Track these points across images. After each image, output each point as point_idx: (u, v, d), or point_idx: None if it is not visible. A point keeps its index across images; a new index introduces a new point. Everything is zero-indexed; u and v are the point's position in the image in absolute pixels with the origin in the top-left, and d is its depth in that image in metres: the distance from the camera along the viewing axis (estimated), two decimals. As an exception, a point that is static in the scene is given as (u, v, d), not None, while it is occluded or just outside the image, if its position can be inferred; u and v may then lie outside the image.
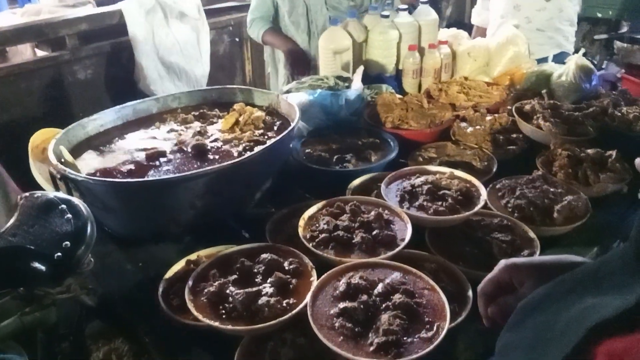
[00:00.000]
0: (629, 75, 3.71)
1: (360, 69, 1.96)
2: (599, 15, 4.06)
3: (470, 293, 1.06)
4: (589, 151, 1.50)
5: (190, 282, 1.05)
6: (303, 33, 2.47)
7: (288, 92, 1.89)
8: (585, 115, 1.67)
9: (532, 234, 1.23)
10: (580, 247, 1.27)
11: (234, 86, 1.83)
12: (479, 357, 1.02)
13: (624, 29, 4.25)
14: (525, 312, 0.60)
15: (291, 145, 1.65)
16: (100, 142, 1.54)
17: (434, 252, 1.19)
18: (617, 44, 3.95)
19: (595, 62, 3.72)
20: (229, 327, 0.94)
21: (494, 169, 1.52)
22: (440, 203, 1.24)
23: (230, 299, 0.99)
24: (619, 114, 1.69)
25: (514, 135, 1.68)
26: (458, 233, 1.25)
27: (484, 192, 1.28)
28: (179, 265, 1.21)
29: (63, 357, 1.21)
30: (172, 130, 1.63)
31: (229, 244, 1.25)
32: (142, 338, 1.14)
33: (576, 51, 2.45)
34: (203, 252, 1.25)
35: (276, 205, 1.46)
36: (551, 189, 1.37)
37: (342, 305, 0.94)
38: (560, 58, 2.51)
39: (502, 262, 0.81)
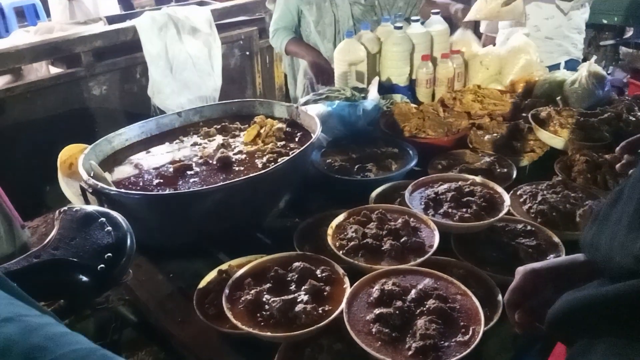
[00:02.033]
0: (636, 80, 3.75)
1: (376, 79, 2.00)
2: (605, 21, 4.11)
3: (500, 297, 1.09)
4: (607, 156, 1.53)
5: (227, 291, 1.08)
6: (329, 43, 2.51)
7: (306, 103, 1.92)
8: (601, 121, 1.69)
9: (556, 239, 1.25)
10: (604, 250, 1.28)
11: (254, 99, 1.87)
12: (512, 358, 1.04)
13: (629, 34, 4.30)
14: None
15: (312, 156, 1.68)
16: (126, 155, 1.58)
17: (460, 258, 1.21)
18: (623, 49, 3.99)
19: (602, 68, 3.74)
20: (268, 334, 0.97)
21: (514, 175, 1.54)
22: (464, 210, 1.27)
23: (267, 306, 1.02)
24: (633, 118, 1.71)
25: (531, 142, 1.71)
26: (483, 239, 1.27)
27: (507, 198, 1.30)
28: (211, 275, 1.24)
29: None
30: (195, 144, 1.67)
31: (256, 254, 1.28)
32: (177, 347, 1.17)
33: (585, 58, 2.49)
34: (234, 262, 1.28)
35: (300, 215, 1.49)
36: (572, 194, 1.39)
37: (377, 311, 0.97)
38: (569, 65, 2.54)
39: (521, 270, 0.85)
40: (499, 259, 1.21)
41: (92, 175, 1.38)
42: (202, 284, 1.21)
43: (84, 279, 0.98)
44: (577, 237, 1.30)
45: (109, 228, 1.05)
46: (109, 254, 1.00)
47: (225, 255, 1.39)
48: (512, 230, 1.30)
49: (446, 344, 0.91)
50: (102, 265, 0.98)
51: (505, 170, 1.57)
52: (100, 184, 1.29)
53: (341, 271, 1.11)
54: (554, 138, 1.66)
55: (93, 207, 1.10)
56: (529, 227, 1.30)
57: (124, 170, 1.53)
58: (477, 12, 2.59)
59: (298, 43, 2.58)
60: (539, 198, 1.38)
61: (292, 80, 2.85)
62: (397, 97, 2.09)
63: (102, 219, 1.06)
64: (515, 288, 0.83)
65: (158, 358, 1.62)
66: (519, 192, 1.45)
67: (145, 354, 1.64)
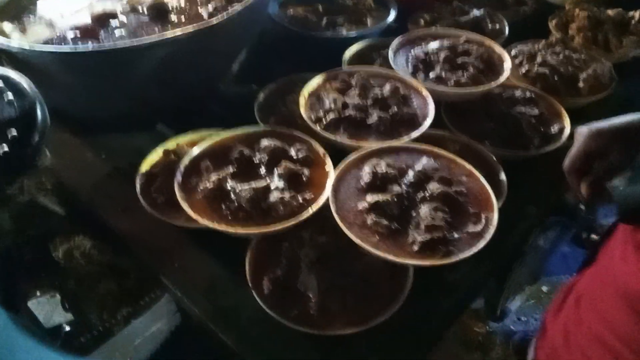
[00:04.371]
0: None
1: None
2: None
3: (503, 176, 0.94)
4: (609, 12, 1.34)
5: (179, 177, 0.86)
6: None
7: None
8: (602, -30, 1.47)
9: (559, 107, 1.10)
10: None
11: None
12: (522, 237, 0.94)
13: None
14: None
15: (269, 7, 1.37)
16: (31, 1, 1.20)
17: (454, 131, 1.04)
18: None
19: None
20: (240, 230, 0.78)
21: (506, 32, 1.33)
22: (460, 73, 1.06)
23: (233, 196, 0.82)
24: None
25: (524, -7, 1.48)
26: (478, 108, 1.09)
27: (507, 59, 1.11)
28: (156, 155, 1.00)
29: (27, 267, 1.04)
30: (119, -14, 1.30)
31: (207, 128, 1.05)
32: (121, 239, 0.97)
33: None
34: (182, 139, 1.04)
35: (257, 81, 1.24)
36: (574, 55, 1.22)
37: (371, 198, 0.79)
38: None
39: (584, 131, 0.75)
40: (497, 132, 1.04)
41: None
42: (145, 166, 0.98)
43: (-18, 167, 0.73)
44: (578, 104, 1.16)
45: (10, 97, 0.77)
46: (13, 132, 0.74)
47: (168, 128, 1.15)
48: (509, 98, 1.12)
49: (456, 235, 0.76)
50: (5, 148, 0.73)
51: (498, 26, 1.35)
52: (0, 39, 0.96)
53: (321, 150, 0.91)
54: (550, -11, 1.44)
55: (-17, 69, 0.80)
56: (527, 94, 1.13)
57: (30, 21, 1.17)
58: None
59: None
60: (539, 59, 1.19)
61: None
62: None
63: (-1, 84, 0.77)
64: (576, 152, 0.75)
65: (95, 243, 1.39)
66: (513, 53, 1.25)
67: (82, 239, 1.40)
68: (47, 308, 1.07)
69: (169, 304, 1.05)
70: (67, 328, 1.06)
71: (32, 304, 1.05)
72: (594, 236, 2.24)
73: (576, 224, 2.19)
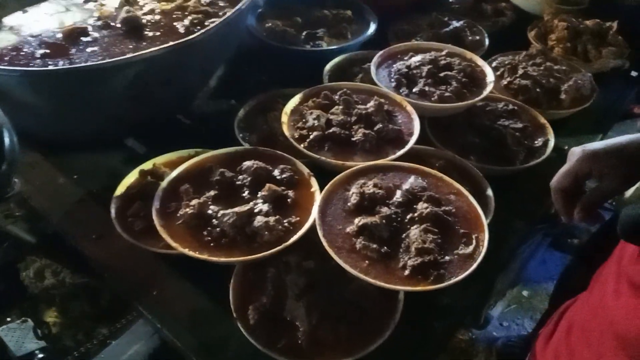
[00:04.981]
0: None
1: None
2: None
3: (490, 192, 0.93)
4: (588, 22, 1.35)
5: (157, 203, 0.82)
6: None
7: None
8: (578, -19, 1.49)
9: (542, 119, 1.09)
10: (587, 131, 1.16)
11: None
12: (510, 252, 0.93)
13: None
14: None
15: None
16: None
17: (438, 146, 1.02)
18: None
19: None
20: (223, 258, 0.74)
21: (487, 43, 1.33)
22: (444, 87, 1.05)
23: (215, 221, 0.78)
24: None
25: (503, 4, 1.48)
26: (461, 122, 1.08)
27: (490, 72, 1.10)
28: (131, 177, 0.96)
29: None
30: (89, 0, 1.26)
31: (185, 148, 1.01)
32: (95, 268, 0.92)
33: None
34: (159, 160, 1.00)
35: (237, 97, 1.21)
36: (555, 66, 1.22)
37: (359, 220, 0.77)
38: None
39: (578, 151, 0.72)
40: (482, 146, 1.03)
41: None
42: (121, 189, 0.93)
43: (-56, 201, 0.68)
44: (560, 117, 1.16)
45: (-27, 123, 0.72)
46: (-22, 163, 0.69)
47: (144, 148, 1.11)
48: (493, 111, 1.11)
49: (447, 258, 0.74)
50: (-29, 180, 0.68)
51: (478, 37, 1.35)
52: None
53: (306, 170, 0.88)
54: (528, 0, 1.45)
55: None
56: (510, 106, 1.12)
57: (-9, 37, 1.12)
58: None
59: None
60: (520, 71, 1.19)
61: None
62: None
63: (-40, 110, 0.73)
64: (567, 172, 0.72)
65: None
66: (494, 64, 1.25)
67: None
68: (18, 334, 1.02)
69: (147, 325, 1.01)
70: (40, 355, 1.01)
71: (1, 330, 1.00)
72: (574, 240, 2.27)
73: (556, 229, 2.22)
